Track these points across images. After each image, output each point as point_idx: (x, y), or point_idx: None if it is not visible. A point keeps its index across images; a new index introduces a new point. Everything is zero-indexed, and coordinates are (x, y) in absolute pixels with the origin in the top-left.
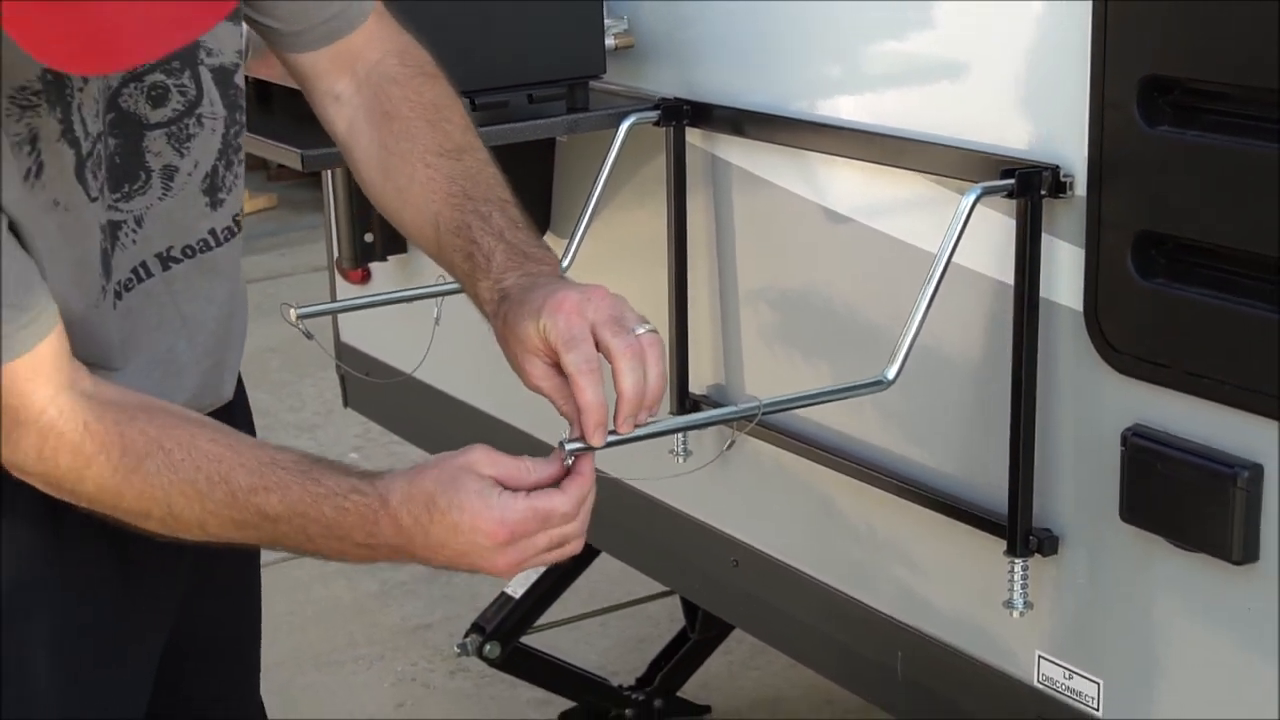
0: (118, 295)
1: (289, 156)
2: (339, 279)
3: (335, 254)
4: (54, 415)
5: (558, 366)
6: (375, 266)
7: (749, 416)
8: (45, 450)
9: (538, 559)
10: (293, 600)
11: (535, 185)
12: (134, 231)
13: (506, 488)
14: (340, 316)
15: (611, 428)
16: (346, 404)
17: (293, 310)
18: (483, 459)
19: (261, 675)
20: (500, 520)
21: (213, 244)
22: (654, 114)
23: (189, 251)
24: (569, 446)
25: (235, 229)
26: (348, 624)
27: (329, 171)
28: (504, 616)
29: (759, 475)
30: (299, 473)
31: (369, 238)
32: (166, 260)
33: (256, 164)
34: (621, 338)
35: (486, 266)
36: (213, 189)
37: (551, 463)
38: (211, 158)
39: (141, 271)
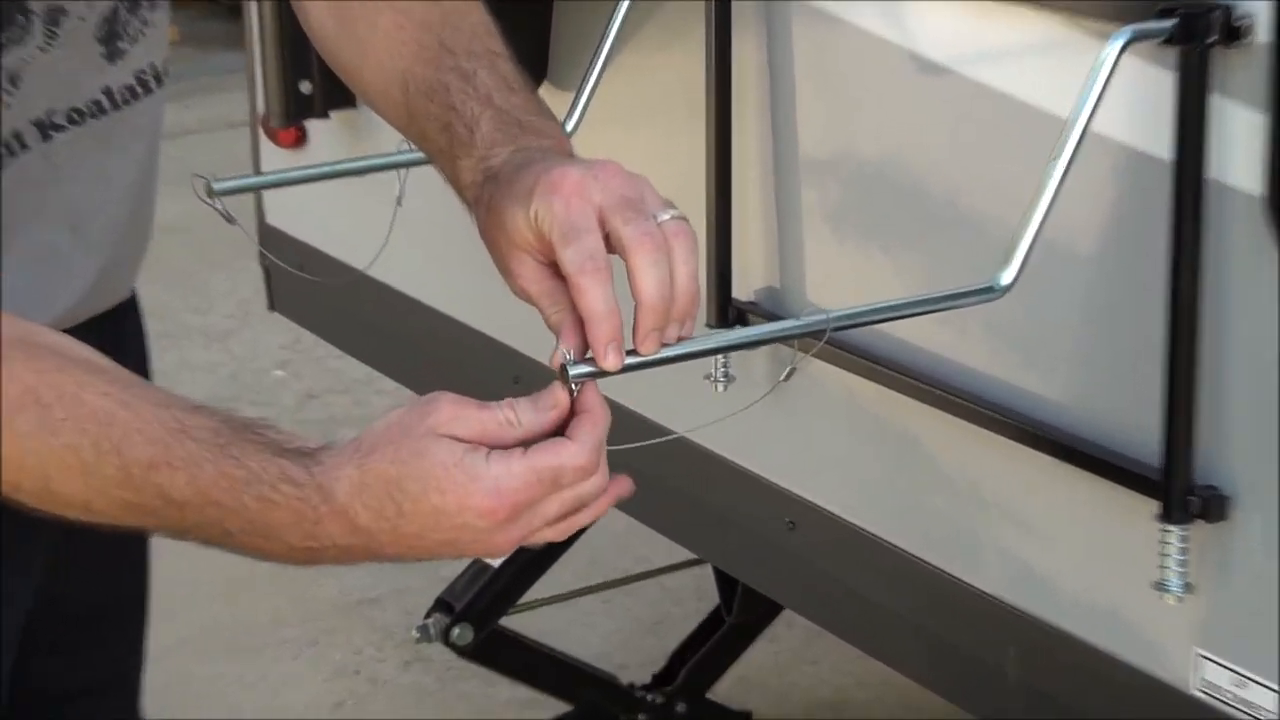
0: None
1: None
2: (264, 141)
3: (260, 108)
4: None
5: (554, 266)
6: (313, 125)
7: (814, 333)
8: None
9: (549, 531)
10: (198, 565)
11: (529, 25)
12: (9, 94)
13: (492, 448)
14: (266, 193)
15: (629, 346)
16: (272, 306)
17: (208, 183)
18: (450, 415)
19: (152, 663)
20: (495, 492)
21: (108, 106)
22: None
23: (75, 116)
24: (573, 371)
25: (142, 88)
26: (271, 597)
27: None
28: (478, 591)
29: (824, 410)
30: (215, 446)
31: (305, 87)
32: (47, 128)
33: None
34: (638, 224)
35: (469, 140)
36: (110, 37)
37: (544, 401)
38: None
39: (15, 144)
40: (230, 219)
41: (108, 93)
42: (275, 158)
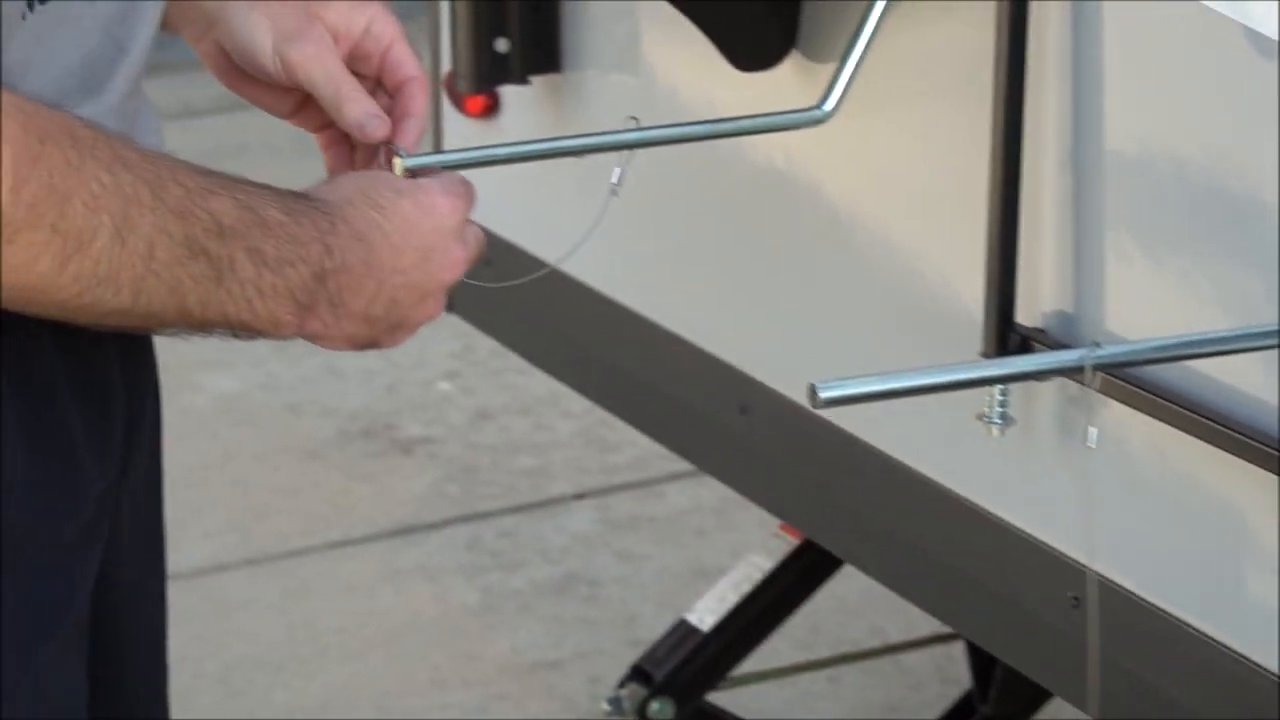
0: (29, 4)
1: None
2: (447, 106)
3: (448, 65)
4: None
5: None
6: (508, 92)
7: (1075, 370)
8: None
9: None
10: (345, 612)
11: None
12: None
13: None
14: None
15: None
16: (449, 307)
17: (400, 161)
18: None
19: None
20: (450, 188)
21: None
22: None
23: None
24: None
25: None
26: (430, 653)
27: None
28: (683, 659)
29: (1127, 467)
30: (230, 180)
31: (502, 45)
32: None
33: None
34: None
35: None
36: None
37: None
38: None
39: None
40: None
41: None
42: (458, 128)
